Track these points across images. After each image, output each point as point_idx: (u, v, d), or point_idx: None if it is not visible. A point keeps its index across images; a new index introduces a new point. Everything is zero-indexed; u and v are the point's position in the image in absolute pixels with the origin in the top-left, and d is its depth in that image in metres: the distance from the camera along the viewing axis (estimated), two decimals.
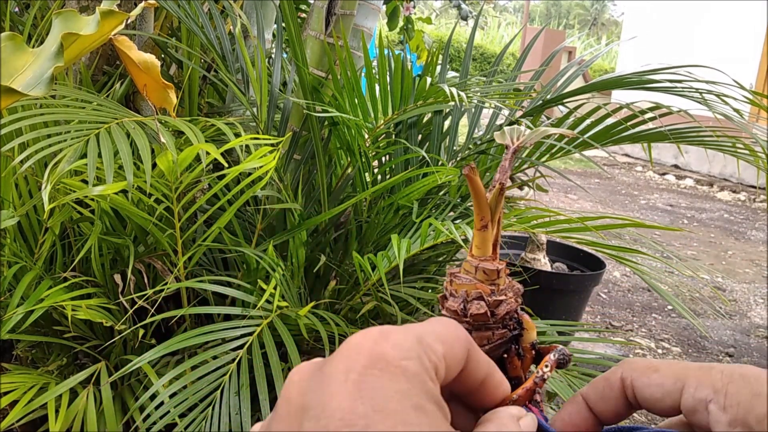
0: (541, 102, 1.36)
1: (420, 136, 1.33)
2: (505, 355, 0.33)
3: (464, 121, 1.47)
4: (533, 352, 0.33)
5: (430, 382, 0.23)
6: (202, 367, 0.93)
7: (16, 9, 1.50)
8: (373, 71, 1.26)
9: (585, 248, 2.41)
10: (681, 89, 1.19)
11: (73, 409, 0.95)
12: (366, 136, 1.23)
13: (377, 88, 1.24)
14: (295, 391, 0.23)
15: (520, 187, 1.52)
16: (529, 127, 1.30)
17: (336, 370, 0.22)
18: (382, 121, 1.22)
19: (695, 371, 0.29)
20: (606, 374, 0.32)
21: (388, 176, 1.30)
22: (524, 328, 0.33)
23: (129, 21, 0.48)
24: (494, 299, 0.32)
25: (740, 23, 6.38)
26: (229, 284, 1.03)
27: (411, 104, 1.21)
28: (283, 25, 1.19)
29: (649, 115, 1.27)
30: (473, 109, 1.42)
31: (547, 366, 0.31)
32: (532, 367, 0.35)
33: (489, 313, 0.32)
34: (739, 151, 1.23)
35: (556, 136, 1.32)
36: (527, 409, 0.32)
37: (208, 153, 0.89)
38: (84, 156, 0.84)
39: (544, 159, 1.38)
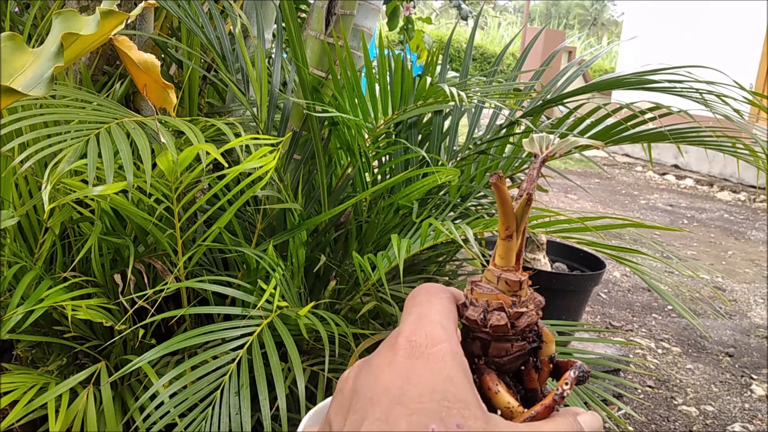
0: (541, 102, 1.36)
1: (420, 136, 1.33)
2: (523, 367, 0.32)
3: (464, 121, 1.47)
4: (551, 365, 0.33)
5: (460, 357, 0.28)
6: (202, 367, 0.93)
7: (16, 9, 1.50)
8: (373, 71, 1.26)
9: (585, 248, 2.41)
10: (681, 89, 1.19)
11: (73, 409, 0.95)
12: (366, 136, 1.23)
13: (377, 88, 1.23)
14: (348, 383, 0.28)
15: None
16: (529, 127, 1.30)
17: (380, 362, 0.27)
18: (382, 121, 1.22)
19: None
20: None
21: (388, 176, 1.30)
22: (543, 341, 0.33)
23: (129, 21, 0.48)
24: (515, 311, 0.32)
25: (740, 23, 6.38)
26: (229, 284, 1.03)
27: (411, 104, 1.21)
28: (283, 25, 1.19)
29: (649, 115, 1.27)
30: (473, 109, 1.42)
31: (567, 383, 0.30)
32: (549, 380, 0.34)
33: (509, 325, 0.31)
34: (739, 151, 1.23)
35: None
36: None
37: (208, 153, 0.89)
38: (84, 156, 0.84)
39: None
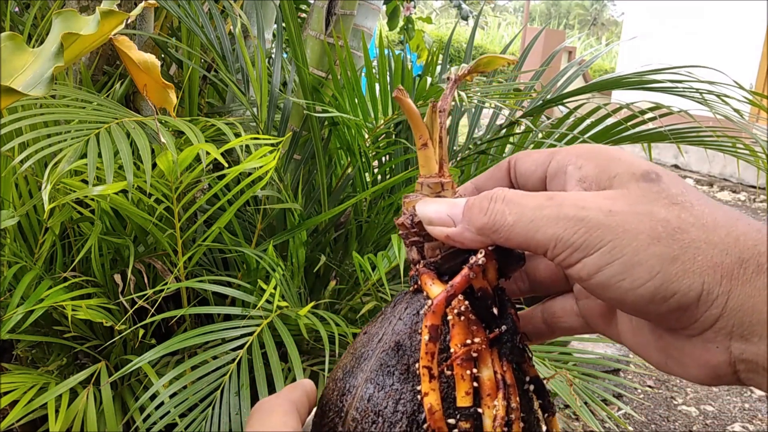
0: (541, 102, 1.36)
1: None
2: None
3: (464, 121, 1.47)
4: (495, 260, 0.32)
5: None
6: (202, 367, 0.93)
7: (16, 9, 1.50)
8: (373, 71, 1.26)
9: None
10: (681, 89, 1.19)
11: (73, 409, 0.95)
12: (366, 136, 1.23)
13: (377, 88, 1.23)
14: None
15: None
16: (529, 128, 1.30)
17: None
18: (382, 121, 1.22)
19: (567, 147, 0.31)
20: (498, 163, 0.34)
21: (388, 176, 1.30)
22: None
23: (129, 21, 0.48)
24: None
25: (740, 23, 6.38)
26: (229, 284, 1.03)
27: None
28: (283, 25, 1.19)
29: (649, 115, 1.27)
30: (473, 109, 1.42)
31: (482, 252, 0.30)
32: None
33: None
34: (739, 151, 1.23)
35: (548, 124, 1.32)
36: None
37: (208, 153, 0.89)
38: (84, 156, 0.84)
39: None
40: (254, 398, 0.91)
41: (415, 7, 3.32)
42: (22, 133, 0.96)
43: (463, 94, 1.05)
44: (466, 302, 0.30)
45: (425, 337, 0.30)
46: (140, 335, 1.02)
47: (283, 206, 1.10)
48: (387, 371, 0.31)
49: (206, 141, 0.96)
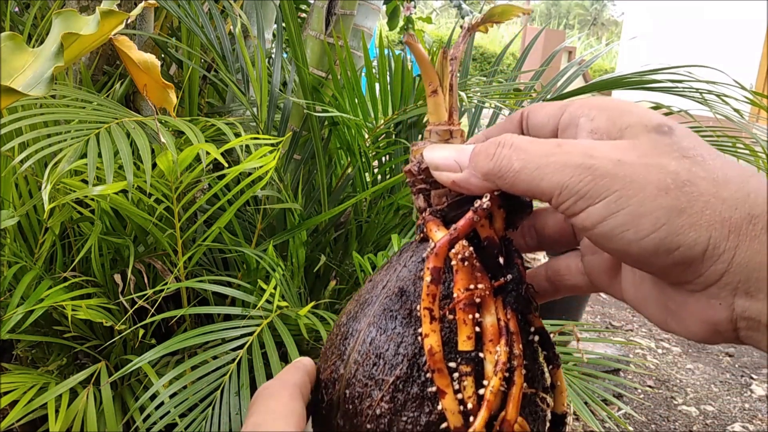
0: (541, 102, 1.36)
1: (420, 136, 1.33)
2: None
3: (464, 121, 1.47)
4: (501, 209, 0.32)
5: None
6: (202, 367, 0.93)
7: (16, 9, 1.50)
8: (373, 71, 1.26)
9: None
10: (681, 89, 1.19)
11: (73, 409, 0.95)
12: (366, 136, 1.23)
13: (377, 88, 1.23)
14: None
15: None
16: None
17: None
18: (382, 121, 1.22)
19: (580, 100, 0.30)
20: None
21: (388, 176, 1.30)
22: None
23: (129, 21, 0.48)
24: None
25: (740, 23, 6.38)
26: (229, 284, 1.03)
27: (411, 104, 1.21)
28: (283, 25, 1.19)
29: None
30: (473, 109, 1.42)
31: (487, 196, 0.30)
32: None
33: None
34: (739, 151, 1.23)
35: None
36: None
37: (208, 153, 0.89)
38: (84, 156, 0.84)
39: None
40: None
41: (415, 7, 3.33)
42: (22, 133, 0.96)
43: (463, 94, 1.05)
44: (471, 248, 0.30)
45: (427, 278, 0.30)
46: (140, 335, 1.02)
47: (283, 206, 1.10)
48: (390, 315, 0.31)
49: (206, 141, 0.96)
